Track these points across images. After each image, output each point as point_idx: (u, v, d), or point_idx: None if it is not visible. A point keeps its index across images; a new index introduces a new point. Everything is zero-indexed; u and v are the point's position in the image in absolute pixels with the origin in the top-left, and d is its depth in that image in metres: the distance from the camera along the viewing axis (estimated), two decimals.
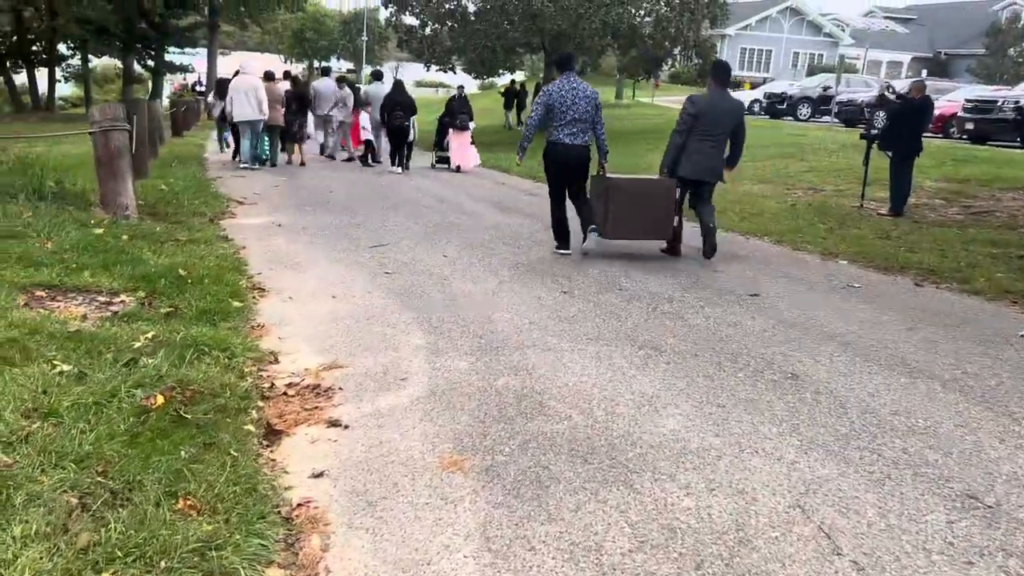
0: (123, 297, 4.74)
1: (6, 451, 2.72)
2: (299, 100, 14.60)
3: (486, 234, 8.28)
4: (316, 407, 3.59)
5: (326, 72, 18.02)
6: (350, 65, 74.84)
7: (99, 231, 6.27)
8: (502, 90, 31.02)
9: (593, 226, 7.26)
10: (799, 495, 2.99)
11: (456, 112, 15.47)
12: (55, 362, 3.52)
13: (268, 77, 14.07)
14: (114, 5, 33.88)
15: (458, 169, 15.56)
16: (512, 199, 11.30)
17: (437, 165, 16.18)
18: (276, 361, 4.16)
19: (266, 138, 14.34)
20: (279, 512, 2.67)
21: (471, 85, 26.76)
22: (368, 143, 15.58)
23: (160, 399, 3.25)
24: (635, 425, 3.55)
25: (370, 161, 15.63)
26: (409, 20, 27.03)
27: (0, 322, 3.94)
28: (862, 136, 10.88)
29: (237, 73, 13.70)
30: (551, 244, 7.68)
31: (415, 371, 4.11)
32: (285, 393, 3.72)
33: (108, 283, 4.95)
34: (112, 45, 35.23)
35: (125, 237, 6.30)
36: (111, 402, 3.21)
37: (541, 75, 30.55)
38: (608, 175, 7.47)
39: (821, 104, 26.11)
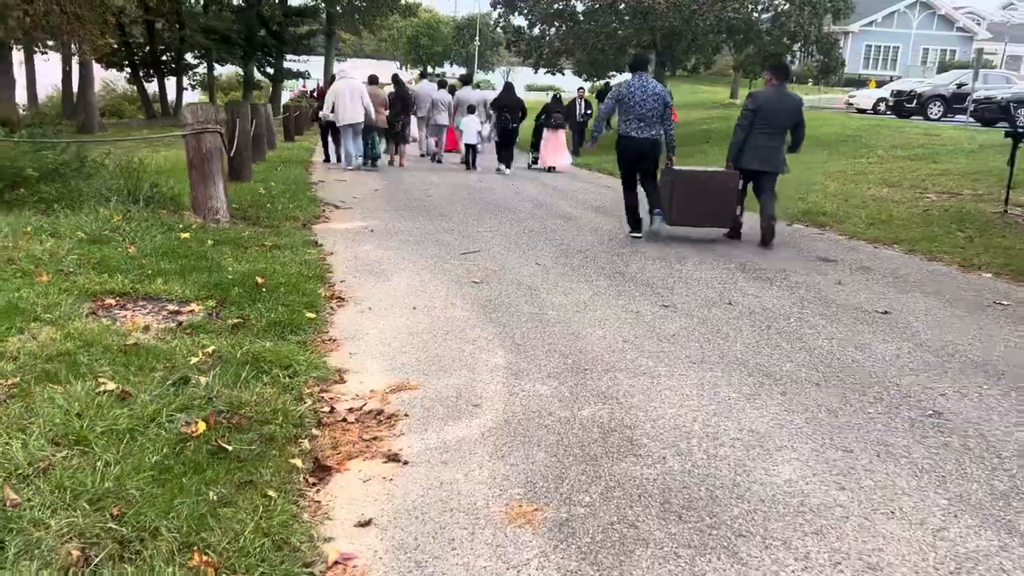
0: (193, 306, 4.50)
1: (19, 486, 2.44)
2: (402, 102, 14.71)
3: (584, 240, 7.79)
4: (375, 437, 3.20)
5: (424, 75, 18.48)
6: (463, 70, 75.71)
7: (185, 235, 6.13)
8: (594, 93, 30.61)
9: (659, 209, 7.89)
10: (949, 575, 2.39)
11: (551, 112, 15.53)
12: (101, 379, 3.26)
13: (372, 81, 14.16)
14: (236, 15, 35.18)
15: (551, 169, 15.52)
16: (616, 203, 10.66)
17: (533, 166, 16.41)
18: (341, 380, 3.81)
19: (376, 138, 14.56)
20: (311, 572, 2.28)
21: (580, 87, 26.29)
22: (468, 146, 15.50)
23: (201, 426, 2.93)
24: (742, 472, 3.00)
25: (471, 164, 15.59)
26: (518, 21, 26.77)
27: (58, 333, 3.74)
28: (1007, 134, 9.80)
29: (333, 79, 13.98)
30: (654, 253, 7.21)
31: (490, 396, 3.68)
32: (344, 419, 3.34)
33: (180, 291, 4.74)
34: (233, 53, 36.55)
35: (210, 242, 6.14)
36: (149, 428, 2.91)
37: (652, 75, 29.74)
38: (675, 167, 8.01)
39: (955, 102, 24.28)
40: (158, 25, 36.30)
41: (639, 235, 7.99)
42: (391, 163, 15.26)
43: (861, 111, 28.43)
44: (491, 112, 15.55)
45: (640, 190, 8.07)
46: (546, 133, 15.90)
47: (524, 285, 5.83)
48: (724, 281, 6.21)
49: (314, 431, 3.19)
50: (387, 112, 14.34)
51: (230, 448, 2.83)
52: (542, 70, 28.39)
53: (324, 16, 41.20)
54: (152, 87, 39.00)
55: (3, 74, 20.79)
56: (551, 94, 17.26)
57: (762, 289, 5.99)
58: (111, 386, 3.20)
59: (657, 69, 27.21)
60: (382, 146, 15.07)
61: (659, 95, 7.70)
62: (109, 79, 41.46)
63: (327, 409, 3.42)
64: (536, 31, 26.41)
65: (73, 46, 26.74)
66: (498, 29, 31.88)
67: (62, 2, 19.19)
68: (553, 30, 26.01)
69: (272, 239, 6.76)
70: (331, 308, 4.99)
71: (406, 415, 3.43)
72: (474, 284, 5.81)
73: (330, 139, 15.13)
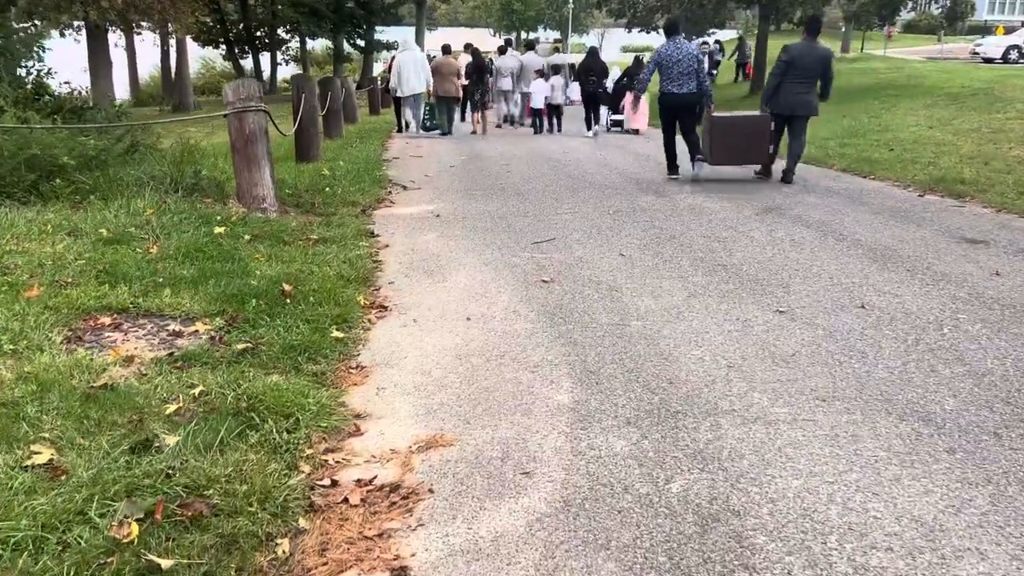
0: (197, 325, 3.75)
1: None
2: (479, 71, 14.52)
3: (679, 223, 6.72)
4: (383, 532, 2.34)
5: (507, 45, 18.79)
6: (556, 35, 74.07)
7: (219, 230, 5.41)
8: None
9: (699, 156, 8.95)
10: None
11: (632, 75, 15.21)
12: (36, 447, 2.51)
13: (445, 51, 13.77)
14: None
15: (636, 132, 15.36)
16: (718, 176, 9.55)
17: (612, 128, 16.15)
18: (358, 431, 2.96)
19: (435, 110, 14.63)
20: None
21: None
22: (535, 112, 15.51)
23: (133, 530, 2.13)
24: None
25: (538, 128, 15.59)
26: None
27: (12, 373, 3.02)
28: None
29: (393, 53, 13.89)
30: (763, 237, 6.14)
31: (547, 457, 2.76)
32: (346, 499, 2.49)
33: (188, 304, 3.99)
34: (322, 26, 36.27)
35: (246, 237, 5.41)
36: (69, 529, 2.13)
37: (755, 31, 27.82)
38: (712, 115, 8.93)
39: None
40: (251, 1, 36.36)
41: (677, 176, 9.15)
42: (474, 132, 15.21)
43: (988, 60, 25.95)
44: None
45: (680, 141, 9.08)
46: (628, 96, 15.45)
47: (603, 284, 4.86)
48: (852, 274, 5.09)
49: (300, 522, 2.35)
50: (462, 81, 14.19)
51: (165, 566, 2.02)
52: (636, 29, 26.87)
53: None
54: (248, 63, 39.21)
55: (99, 55, 20.87)
56: (634, 56, 16.69)
57: (900, 284, 4.84)
58: (44, 457, 2.45)
59: (760, 24, 25.36)
60: (454, 118, 15.08)
61: (692, 55, 8.82)
62: (208, 57, 42.06)
63: (326, 483, 2.58)
64: None
65: (169, 25, 26.85)
66: None
67: None
68: None
69: (321, 231, 5.99)
70: (368, 321, 4.15)
71: (430, 491, 2.55)
72: (544, 283, 4.88)
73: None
